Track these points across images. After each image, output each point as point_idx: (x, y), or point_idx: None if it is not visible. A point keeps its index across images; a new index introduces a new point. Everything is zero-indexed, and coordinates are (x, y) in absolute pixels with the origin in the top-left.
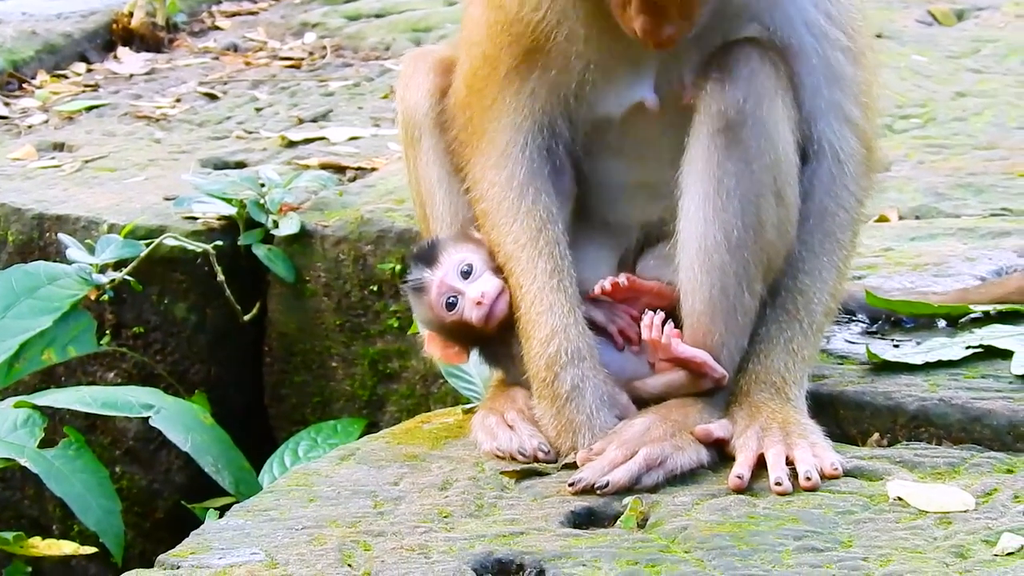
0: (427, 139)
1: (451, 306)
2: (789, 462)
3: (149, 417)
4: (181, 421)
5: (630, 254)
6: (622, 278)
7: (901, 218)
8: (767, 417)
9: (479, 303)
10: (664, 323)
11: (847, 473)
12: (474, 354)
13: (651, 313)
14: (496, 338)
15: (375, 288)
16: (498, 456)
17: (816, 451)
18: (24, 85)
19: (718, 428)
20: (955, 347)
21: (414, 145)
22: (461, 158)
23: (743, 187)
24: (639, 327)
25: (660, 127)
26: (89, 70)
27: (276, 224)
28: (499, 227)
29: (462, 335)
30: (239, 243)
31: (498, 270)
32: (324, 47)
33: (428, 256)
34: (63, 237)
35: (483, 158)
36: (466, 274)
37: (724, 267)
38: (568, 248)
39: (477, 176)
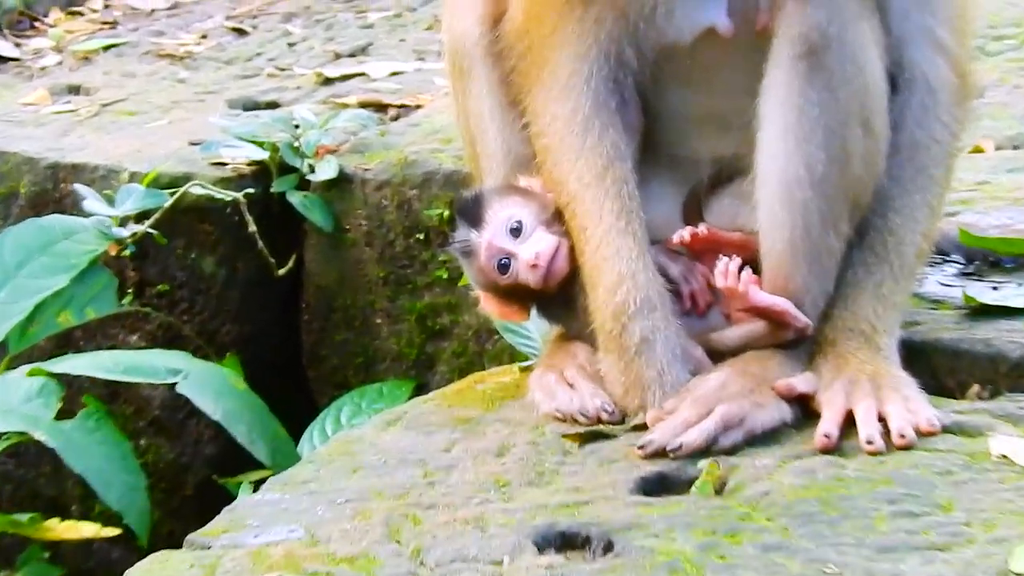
0: (478, 69)
1: (504, 268)
2: (880, 418)
3: (176, 383)
4: (211, 387)
5: (700, 192)
6: (702, 228)
7: (997, 148)
8: (855, 369)
9: (534, 265)
10: (741, 269)
11: (945, 429)
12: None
13: (726, 259)
14: (557, 292)
15: (421, 236)
16: (558, 418)
17: (910, 405)
18: (36, 24)
19: (802, 382)
20: None
21: (463, 77)
22: (519, 90)
23: (827, 116)
24: (712, 293)
25: (733, 53)
26: (107, 6)
27: (312, 168)
28: (561, 165)
29: (519, 294)
30: (272, 190)
31: (552, 221)
32: None
33: (472, 214)
34: (80, 188)
35: (544, 90)
36: (516, 232)
37: (807, 204)
38: (636, 187)
39: (538, 109)
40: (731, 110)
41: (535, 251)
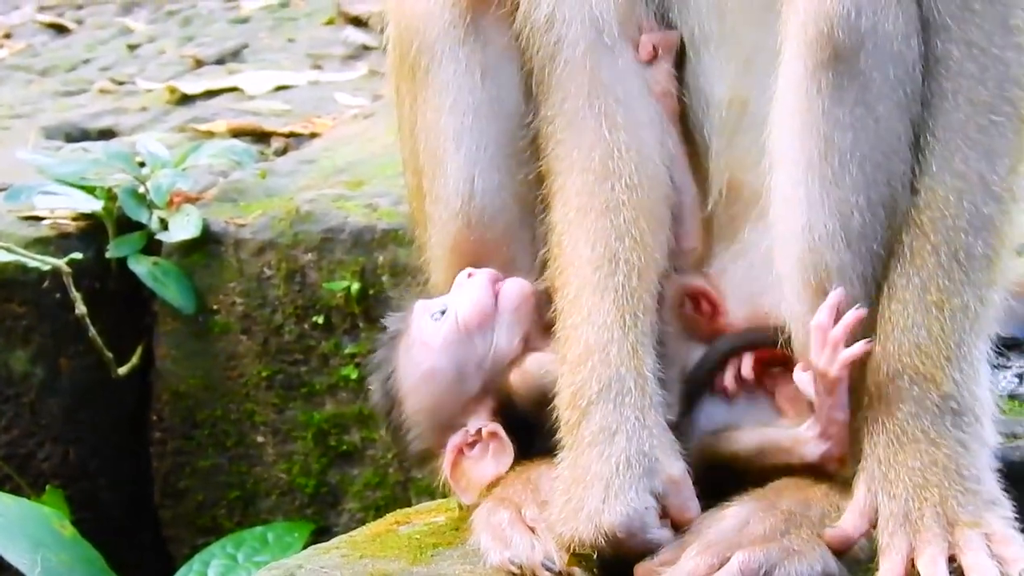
0: (444, 69)
1: (437, 319)
2: (957, 566)
3: None
4: (24, 533)
5: (706, 223)
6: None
7: None
8: (914, 477)
9: (469, 274)
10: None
11: None
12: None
13: None
14: (520, 391)
15: (320, 319)
16: (514, 572)
17: (998, 547)
18: None
19: (856, 523)
20: None
21: (417, 79)
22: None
23: (866, 145)
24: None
25: None
26: None
27: (164, 224)
28: (553, 164)
29: (471, 374)
30: (108, 255)
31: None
32: None
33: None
34: None
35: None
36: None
37: (844, 271)
38: (639, 210)
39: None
40: (762, 99)
41: (467, 271)
